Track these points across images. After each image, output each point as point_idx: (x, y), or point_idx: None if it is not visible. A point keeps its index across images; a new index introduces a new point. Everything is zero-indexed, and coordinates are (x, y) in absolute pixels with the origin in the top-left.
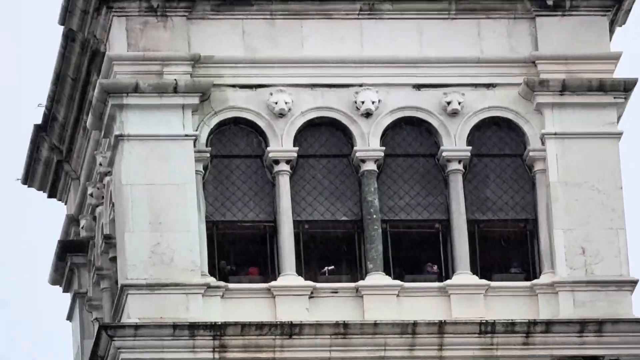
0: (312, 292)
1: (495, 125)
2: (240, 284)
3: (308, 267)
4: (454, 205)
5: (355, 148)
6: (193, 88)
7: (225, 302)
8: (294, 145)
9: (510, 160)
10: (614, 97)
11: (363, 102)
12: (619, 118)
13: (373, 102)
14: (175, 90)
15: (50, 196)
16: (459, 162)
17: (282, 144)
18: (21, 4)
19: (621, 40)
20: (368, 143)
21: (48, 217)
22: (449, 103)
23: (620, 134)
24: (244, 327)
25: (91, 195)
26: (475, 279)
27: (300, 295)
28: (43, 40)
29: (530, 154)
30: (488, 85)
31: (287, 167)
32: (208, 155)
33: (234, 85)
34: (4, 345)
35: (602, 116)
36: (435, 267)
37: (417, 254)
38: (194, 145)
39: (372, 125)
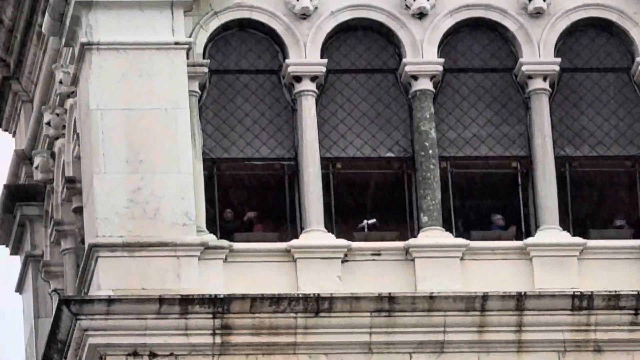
0: (346, 255)
1: (593, 29)
2: (250, 244)
3: (341, 220)
4: (538, 138)
5: (404, 60)
6: None
7: (229, 268)
8: (322, 57)
9: (613, 76)
10: None
11: (415, 0)
12: None
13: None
14: None
15: None
16: (545, 79)
17: (305, 55)
18: None
19: None
20: (422, 54)
21: None
22: (530, 0)
23: None
24: (255, 302)
25: (48, 124)
26: (566, 237)
27: (331, 258)
28: None
29: None
30: None
31: (312, 86)
32: (206, 70)
33: None
34: None
35: None
36: (513, 228)
37: (489, 203)
38: (187, 57)
39: (428, 29)
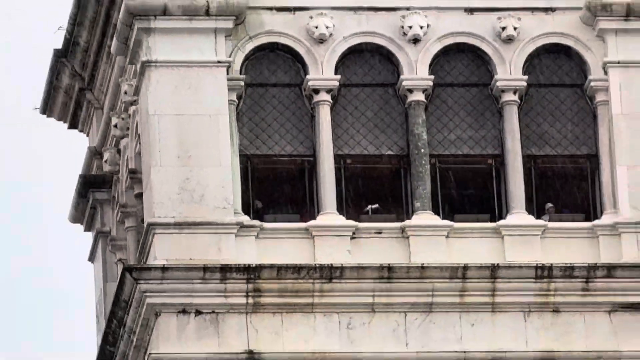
0: (354, 233)
1: (554, 53)
2: (277, 224)
3: (350, 205)
4: (509, 140)
5: (401, 77)
6: (226, 11)
7: (260, 243)
8: (336, 74)
9: (569, 91)
10: None
11: (410, 27)
12: None
13: (421, 27)
14: (207, 13)
15: (71, 127)
16: (514, 92)
17: (322, 71)
18: None
19: None
20: (416, 71)
21: (68, 149)
22: (503, 28)
23: None
24: (280, 270)
25: (115, 126)
26: (531, 219)
27: (342, 235)
28: None
29: (592, 84)
30: (546, 10)
31: (327, 97)
32: (242, 83)
33: (270, 8)
34: (21, 291)
35: None
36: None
37: (468, 192)
38: (227, 73)
39: (420, 52)
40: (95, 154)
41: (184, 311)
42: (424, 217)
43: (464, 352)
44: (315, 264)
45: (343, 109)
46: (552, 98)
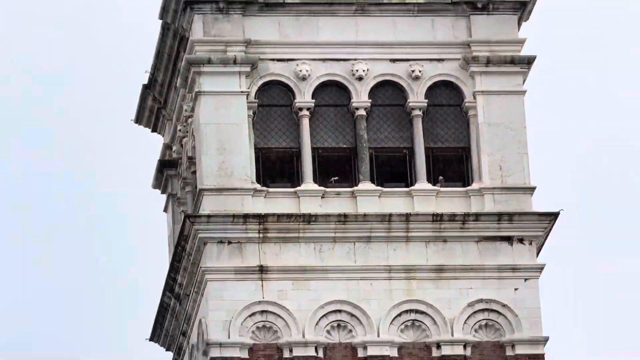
0: (323, 194)
1: (444, 85)
2: (276, 189)
3: (321, 177)
4: (416, 138)
5: (352, 100)
6: (246, 61)
7: (266, 201)
8: (312, 98)
9: (453, 108)
10: (521, 67)
11: (357, 70)
12: (524, 81)
13: (364, 70)
14: (235, 62)
15: (153, 131)
16: (420, 109)
17: (304, 97)
18: (128, 6)
19: (526, 31)
20: (360, 97)
21: (152, 144)
22: (413, 71)
23: (525, 91)
24: (279, 217)
25: (179, 130)
26: (430, 186)
27: (316, 196)
28: (147, 29)
29: (466, 104)
30: (439, 60)
31: (307, 113)
32: (256, 105)
33: (273, 59)
34: (123, 229)
35: (513, 80)
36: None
37: (392, 169)
38: (247, 98)
39: (363, 85)
40: (167, 147)
41: (220, 242)
42: (365, 185)
43: (389, 266)
44: (300, 213)
45: (317, 120)
46: (442, 112)
